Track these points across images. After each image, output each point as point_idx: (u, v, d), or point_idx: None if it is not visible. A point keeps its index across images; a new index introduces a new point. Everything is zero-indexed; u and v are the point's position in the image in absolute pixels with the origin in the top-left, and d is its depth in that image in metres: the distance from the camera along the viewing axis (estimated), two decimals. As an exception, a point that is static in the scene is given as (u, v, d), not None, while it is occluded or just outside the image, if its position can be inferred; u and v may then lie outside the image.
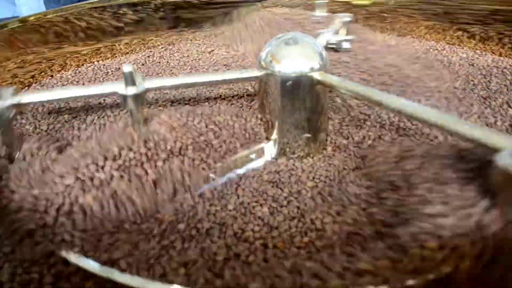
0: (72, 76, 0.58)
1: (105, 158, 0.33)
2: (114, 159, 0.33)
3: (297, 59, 0.35)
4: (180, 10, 0.69)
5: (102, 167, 0.32)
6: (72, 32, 0.61)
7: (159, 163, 0.34)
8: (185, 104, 0.47)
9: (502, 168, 0.23)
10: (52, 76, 0.58)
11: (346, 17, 0.47)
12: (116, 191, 0.32)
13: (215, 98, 0.48)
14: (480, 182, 0.26)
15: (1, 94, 0.35)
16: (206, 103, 0.47)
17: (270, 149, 0.39)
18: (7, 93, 0.35)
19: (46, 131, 0.43)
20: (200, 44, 0.67)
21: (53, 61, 0.60)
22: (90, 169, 0.32)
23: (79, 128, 0.43)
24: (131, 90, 0.35)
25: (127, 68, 0.34)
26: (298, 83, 0.36)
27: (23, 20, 0.59)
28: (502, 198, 0.24)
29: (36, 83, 0.56)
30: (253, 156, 0.38)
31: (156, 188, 0.33)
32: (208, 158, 0.36)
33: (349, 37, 0.47)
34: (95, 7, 0.62)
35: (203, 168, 0.36)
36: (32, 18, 0.60)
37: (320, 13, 0.56)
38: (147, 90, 0.36)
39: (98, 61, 0.62)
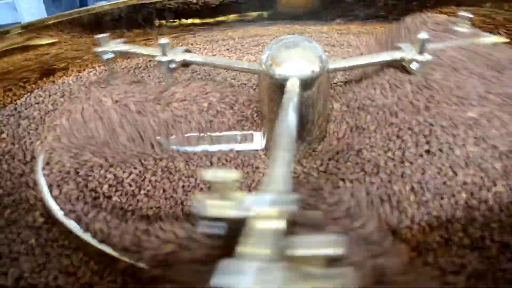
0: (74, 82, 0.58)
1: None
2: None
3: (292, 62, 0.36)
4: (180, 14, 0.69)
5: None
6: (73, 37, 0.62)
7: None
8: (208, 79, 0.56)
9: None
10: (54, 81, 0.58)
11: (424, 35, 0.40)
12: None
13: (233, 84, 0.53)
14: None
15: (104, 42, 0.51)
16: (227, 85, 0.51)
17: (258, 138, 0.42)
18: (114, 42, 0.51)
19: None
20: (200, 49, 0.67)
21: (55, 66, 0.60)
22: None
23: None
24: (164, 58, 0.47)
25: (162, 41, 0.47)
26: (281, 86, 0.36)
27: (25, 26, 0.59)
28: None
29: (38, 88, 0.57)
30: (239, 137, 0.42)
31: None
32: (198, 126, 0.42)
33: (419, 57, 0.40)
34: (96, 13, 0.62)
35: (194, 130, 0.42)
36: (33, 23, 0.60)
37: (460, 27, 0.48)
38: (178, 62, 0.48)
39: (99, 66, 0.62)
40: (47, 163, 0.36)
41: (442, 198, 0.32)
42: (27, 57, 0.57)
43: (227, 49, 0.66)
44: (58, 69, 0.60)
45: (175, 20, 0.69)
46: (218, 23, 0.71)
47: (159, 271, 0.27)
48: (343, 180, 0.35)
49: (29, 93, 0.55)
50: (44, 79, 0.59)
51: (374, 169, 0.35)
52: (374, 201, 0.33)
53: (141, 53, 0.51)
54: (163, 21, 0.68)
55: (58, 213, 0.32)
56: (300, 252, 0.19)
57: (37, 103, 0.53)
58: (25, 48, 0.57)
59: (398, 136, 0.37)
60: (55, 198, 0.33)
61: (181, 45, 0.69)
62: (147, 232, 0.30)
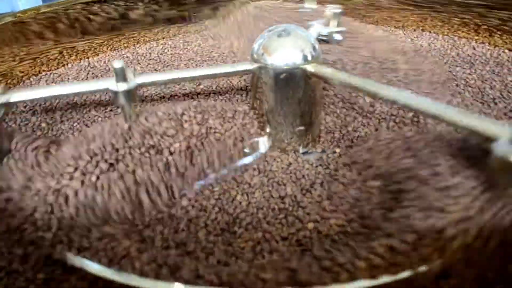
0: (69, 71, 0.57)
1: (93, 155, 0.33)
2: (103, 156, 0.33)
3: (289, 51, 0.35)
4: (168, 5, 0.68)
5: (89, 165, 0.32)
6: (66, 28, 0.61)
7: (148, 160, 0.33)
8: (178, 98, 0.47)
9: (500, 156, 0.23)
10: (49, 71, 0.57)
11: (337, 8, 0.46)
12: (103, 188, 0.32)
13: (208, 93, 0.48)
14: (478, 172, 0.26)
15: None
16: (200, 98, 0.47)
17: (264, 143, 0.39)
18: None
19: (36, 129, 0.43)
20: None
21: (49, 57, 0.59)
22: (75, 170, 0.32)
23: (71, 126, 0.44)
24: (122, 86, 0.34)
25: (117, 64, 0.33)
26: (291, 76, 0.35)
27: (18, 15, 0.58)
28: (500, 185, 0.25)
29: (29, 79, 0.56)
30: (247, 150, 0.38)
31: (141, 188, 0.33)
32: (200, 155, 0.36)
33: (340, 29, 0.46)
34: (86, 2, 0.61)
35: (195, 166, 0.35)
36: (27, 12, 0.59)
37: (309, 5, 0.55)
38: (139, 86, 0.36)
39: (87, 58, 0.61)
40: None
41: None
42: (20, 47, 0.56)
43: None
44: (52, 59, 0.59)
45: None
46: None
47: None
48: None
49: (20, 84, 0.54)
50: (36, 70, 0.58)
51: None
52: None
53: (71, 93, 0.36)
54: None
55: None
56: None
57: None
58: (17, 37, 0.56)
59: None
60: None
61: (170, 38, 0.67)
62: None
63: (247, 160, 0.38)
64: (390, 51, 0.48)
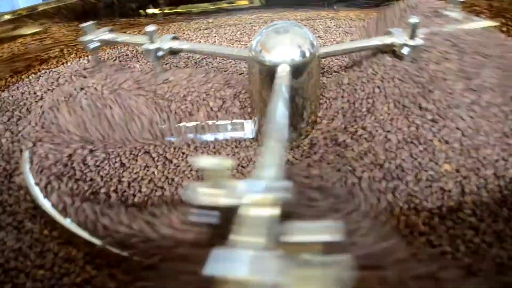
0: (65, 70, 0.56)
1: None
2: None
3: (277, 48, 0.34)
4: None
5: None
6: (66, 26, 0.60)
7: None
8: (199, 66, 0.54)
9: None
10: (45, 70, 0.57)
11: (415, 19, 0.39)
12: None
13: (220, 69, 0.52)
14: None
15: (90, 30, 0.49)
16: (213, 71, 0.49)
17: (248, 126, 0.41)
18: (102, 30, 0.50)
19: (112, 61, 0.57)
20: (192, 36, 0.66)
21: (46, 55, 0.58)
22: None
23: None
24: (152, 46, 0.45)
25: (149, 28, 0.45)
26: (269, 72, 0.35)
27: (16, 12, 0.58)
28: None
29: (28, 78, 0.55)
30: (229, 127, 0.40)
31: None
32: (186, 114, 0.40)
33: (411, 42, 0.39)
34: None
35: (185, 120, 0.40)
36: (26, 10, 0.58)
37: (451, 11, 0.46)
38: (168, 49, 0.46)
39: (87, 56, 0.61)
40: (32, 155, 0.36)
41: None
42: (16, 46, 0.56)
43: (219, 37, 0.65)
44: (51, 58, 0.59)
45: (170, 7, 0.67)
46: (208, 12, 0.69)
47: (152, 261, 0.26)
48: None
49: (19, 82, 0.54)
50: (36, 68, 0.57)
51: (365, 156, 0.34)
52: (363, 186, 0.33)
53: (127, 41, 0.50)
54: (155, 10, 0.67)
55: (45, 204, 0.33)
56: (296, 238, 0.18)
57: (23, 93, 0.51)
58: (13, 37, 0.55)
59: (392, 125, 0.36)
60: (40, 190, 0.33)
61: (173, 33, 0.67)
62: (138, 219, 0.29)
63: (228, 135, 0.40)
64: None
